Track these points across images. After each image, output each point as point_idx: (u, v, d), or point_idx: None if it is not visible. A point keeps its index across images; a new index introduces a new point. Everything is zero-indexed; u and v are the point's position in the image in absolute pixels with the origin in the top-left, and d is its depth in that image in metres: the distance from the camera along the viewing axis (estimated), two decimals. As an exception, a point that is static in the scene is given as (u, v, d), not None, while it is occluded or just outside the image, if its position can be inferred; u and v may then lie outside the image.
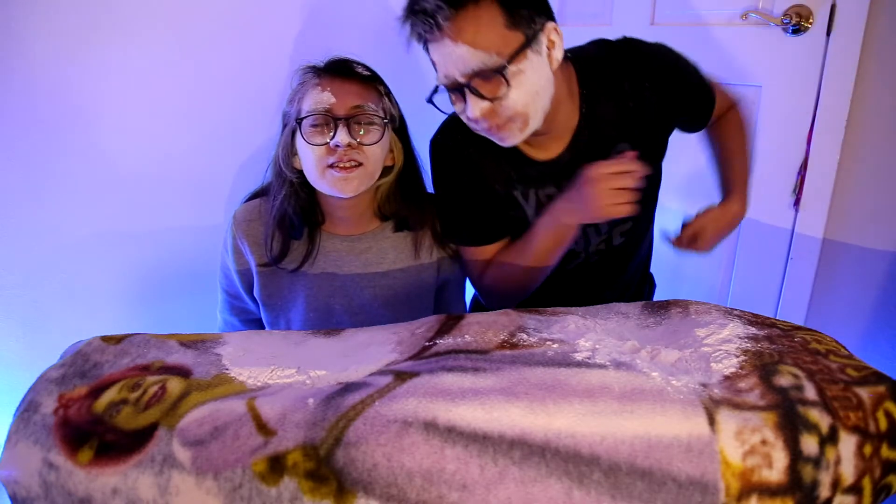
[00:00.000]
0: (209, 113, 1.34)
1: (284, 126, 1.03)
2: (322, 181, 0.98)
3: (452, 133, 1.04)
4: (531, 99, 0.88)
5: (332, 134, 0.95)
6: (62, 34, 1.15)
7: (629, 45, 1.01)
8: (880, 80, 1.14)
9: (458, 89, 0.89)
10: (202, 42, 1.29)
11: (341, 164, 0.96)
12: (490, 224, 1.07)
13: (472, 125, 0.93)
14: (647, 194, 1.05)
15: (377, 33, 1.50)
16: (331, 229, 1.08)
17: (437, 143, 1.07)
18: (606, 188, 0.87)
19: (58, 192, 1.23)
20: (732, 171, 1.11)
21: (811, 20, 1.17)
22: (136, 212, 1.32)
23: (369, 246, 1.08)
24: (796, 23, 1.18)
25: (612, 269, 1.16)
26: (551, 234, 0.98)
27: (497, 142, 0.94)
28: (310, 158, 0.97)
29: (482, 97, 0.86)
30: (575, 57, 0.99)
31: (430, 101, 0.94)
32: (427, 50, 0.90)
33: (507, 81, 0.85)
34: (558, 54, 0.91)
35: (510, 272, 1.06)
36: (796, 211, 1.29)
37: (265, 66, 1.34)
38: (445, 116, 1.05)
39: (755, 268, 1.39)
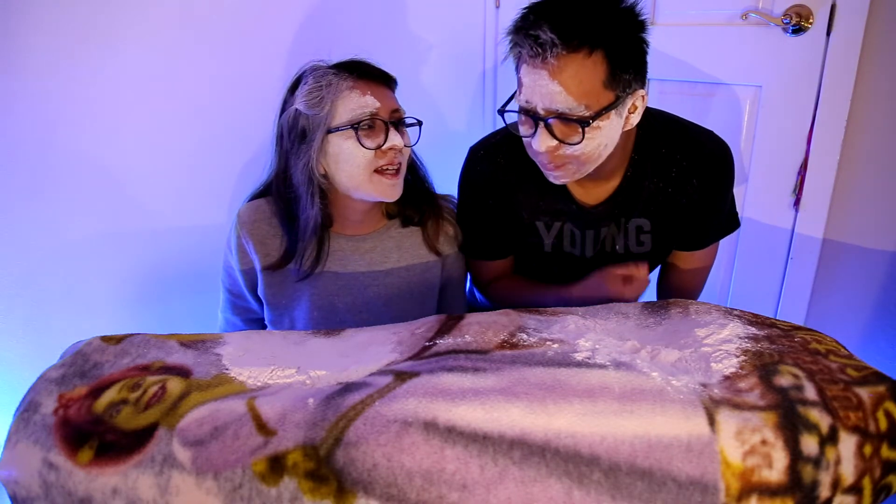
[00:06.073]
0: (212, 112, 1.34)
1: (303, 129, 0.97)
2: (368, 185, 0.98)
3: (495, 154, 1.04)
4: (594, 151, 0.89)
5: (383, 137, 0.96)
6: (63, 35, 1.15)
7: (698, 135, 1.01)
8: (880, 80, 1.14)
9: (533, 117, 0.88)
10: (204, 42, 1.29)
11: (392, 168, 0.98)
12: (502, 244, 1.11)
13: (528, 150, 0.93)
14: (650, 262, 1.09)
15: (378, 32, 1.51)
16: (339, 230, 1.08)
17: (475, 156, 1.07)
18: (616, 283, 0.96)
19: (58, 192, 1.23)
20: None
21: (811, 20, 1.17)
22: (136, 212, 1.32)
23: (374, 245, 1.08)
24: (796, 23, 1.17)
25: None
26: (557, 300, 1.04)
27: (548, 177, 0.94)
28: (357, 163, 0.96)
29: (553, 136, 0.86)
30: (644, 121, 0.96)
31: (501, 112, 0.92)
32: (518, 67, 0.89)
33: (583, 133, 0.85)
34: (635, 119, 0.91)
35: (516, 294, 1.11)
36: (796, 211, 1.29)
37: (268, 66, 1.34)
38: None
39: (755, 268, 1.39)
